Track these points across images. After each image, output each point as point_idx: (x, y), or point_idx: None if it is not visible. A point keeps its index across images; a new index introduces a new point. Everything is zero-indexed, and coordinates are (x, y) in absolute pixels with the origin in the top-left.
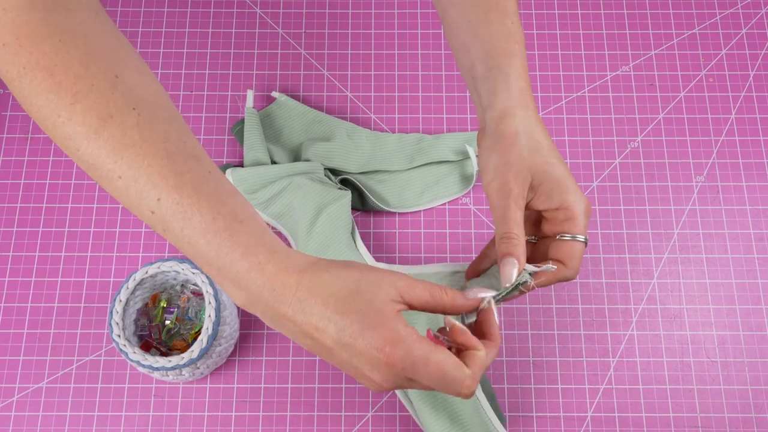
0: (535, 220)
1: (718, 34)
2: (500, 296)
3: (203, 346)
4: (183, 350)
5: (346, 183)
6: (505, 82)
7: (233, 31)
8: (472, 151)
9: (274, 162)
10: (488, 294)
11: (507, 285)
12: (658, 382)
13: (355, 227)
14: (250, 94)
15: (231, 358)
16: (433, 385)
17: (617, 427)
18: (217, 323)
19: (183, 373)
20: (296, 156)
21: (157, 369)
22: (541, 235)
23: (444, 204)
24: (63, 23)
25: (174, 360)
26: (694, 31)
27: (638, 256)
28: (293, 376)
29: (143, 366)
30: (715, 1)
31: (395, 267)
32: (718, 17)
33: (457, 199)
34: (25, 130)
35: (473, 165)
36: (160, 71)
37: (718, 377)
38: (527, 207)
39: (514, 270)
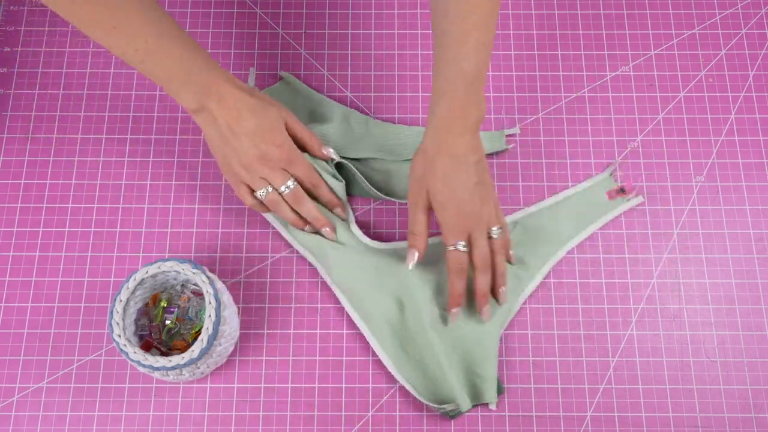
0: None
1: (718, 34)
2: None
3: (203, 345)
4: (183, 350)
5: (339, 168)
6: (431, 118)
7: (233, 31)
8: None
9: None
10: (335, 156)
11: (408, 266)
12: (657, 382)
13: (350, 210)
14: (252, 73)
15: (231, 358)
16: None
17: (617, 427)
18: (218, 323)
19: (183, 373)
20: None
21: (157, 369)
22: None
23: None
24: None
25: (174, 360)
26: (694, 31)
27: (638, 256)
28: (293, 376)
29: (143, 366)
30: (715, 1)
31: (391, 245)
32: (718, 17)
33: None
34: (25, 130)
35: None
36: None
37: (717, 377)
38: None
39: (414, 257)
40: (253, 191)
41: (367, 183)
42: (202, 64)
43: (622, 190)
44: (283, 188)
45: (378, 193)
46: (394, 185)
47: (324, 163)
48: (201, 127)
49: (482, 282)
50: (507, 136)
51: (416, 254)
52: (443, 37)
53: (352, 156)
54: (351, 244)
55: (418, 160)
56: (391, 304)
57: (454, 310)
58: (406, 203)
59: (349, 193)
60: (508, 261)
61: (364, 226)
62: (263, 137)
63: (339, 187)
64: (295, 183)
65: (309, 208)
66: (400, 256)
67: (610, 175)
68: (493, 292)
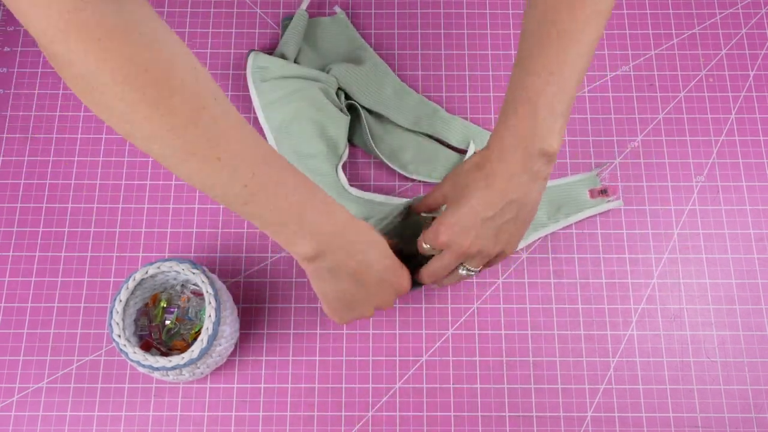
0: None
1: (718, 34)
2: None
3: (203, 346)
4: (183, 350)
5: (351, 109)
6: (509, 134)
7: (233, 31)
8: (473, 149)
9: (296, 63)
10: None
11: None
12: (658, 382)
13: (346, 152)
14: (251, 55)
15: (231, 358)
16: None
17: (617, 427)
18: (217, 323)
19: (183, 373)
20: (325, 71)
21: (157, 369)
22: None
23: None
24: (136, 15)
25: (174, 360)
26: (694, 31)
27: (638, 256)
28: (293, 376)
29: (143, 366)
30: (715, 1)
31: (367, 195)
32: (718, 17)
33: None
34: (26, 130)
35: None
36: None
37: (717, 377)
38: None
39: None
40: None
41: (369, 136)
42: (314, 204)
43: (603, 191)
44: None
45: (375, 150)
46: (398, 153)
47: (334, 95)
48: (313, 278)
49: (438, 281)
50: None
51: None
52: (539, 37)
53: (365, 104)
54: (332, 186)
55: (474, 167)
56: None
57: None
58: (401, 172)
59: (349, 138)
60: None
61: (361, 179)
62: (390, 280)
63: (343, 120)
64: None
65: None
66: (374, 208)
67: (597, 175)
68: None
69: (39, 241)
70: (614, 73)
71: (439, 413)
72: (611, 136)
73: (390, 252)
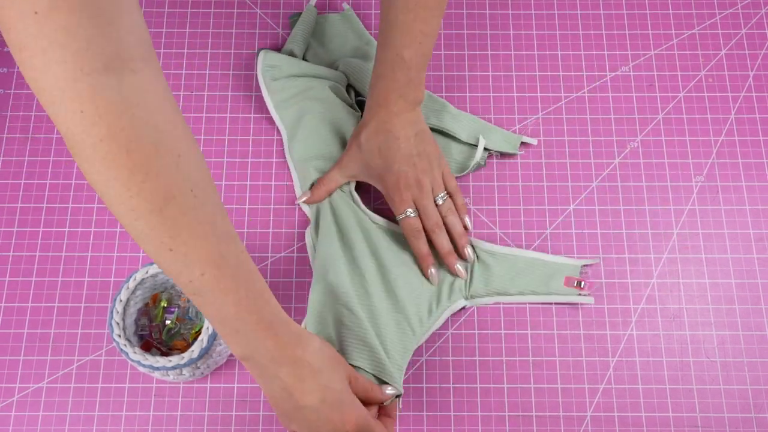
0: None
1: (717, 34)
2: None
3: (203, 345)
4: (183, 350)
5: (361, 105)
6: (368, 102)
7: (233, 31)
8: (482, 144)
9: (305, 60)
10: (393, 393)
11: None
12: (657, 382)
13: None
14: (259, 54)
15: (231, 357)
16: None
17: (617, 427)
18: None
19: (183, 372)
20: (333, 67)
21: (157, 369)
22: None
23: None
24: (135, 93)
25: (174, 360)
26: (693, 31)
27: (638, 256)
28: None
29: (144, 366)
30: (715, 1)
31: (375, 217)
32: (717, 17)
33: None
34: (25, 130)
35: (476, 156)
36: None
37: (717, 377)
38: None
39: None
40: None
41: None
42: (262, 317)
43: (579, 284)
44: None
45: None
46: None
47: (344, 92)
48: (252, 374)
49: (440, 241)
50: (522, 143)
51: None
52: (387, 26)
53: None
54: (343, 198)
55: (357, 134)
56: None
57: (431, 271)
58: None
59: None
60: (465, 228)
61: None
62: (326, 417)
63: (353, 118)
64: None
65: None
66: (382, 236)
67: (582, 266)
68: (459, 254)
69: (39, 241)
70: (614, 73)
71: (439, 413)
72: (611, 136)
73: (341, 394)
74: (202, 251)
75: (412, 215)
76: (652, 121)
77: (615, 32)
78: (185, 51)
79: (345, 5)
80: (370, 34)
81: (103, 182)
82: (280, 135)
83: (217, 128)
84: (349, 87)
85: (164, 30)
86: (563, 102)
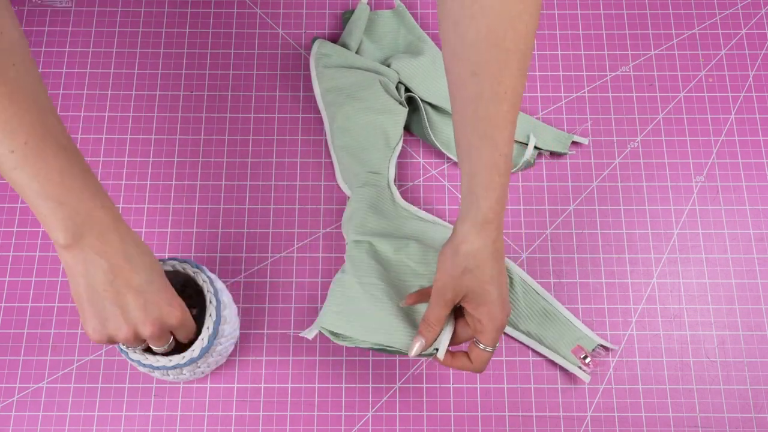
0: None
1: (718, 34)
2: (385, 350)
3: (204, 345)
4: (183, 350)
5: (411, 101)
6: (476, 214)
7: (233, 31)
8: (533, 142)
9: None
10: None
11: (410, 354)
12: (657, 382)
13: (400, 144)
14: (315, 43)
15: (231, 358)
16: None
17: (617, 427)
18: (218, 322)
19: (183, 372)
20: (386, 64)
21: (157, 368)
22: (461, 318)
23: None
24: None
25: (174, 359)
26: (694, 31)
27: (638, 256)
28: (293, 376)
29: (144, 365)
30: (715, 1)
31: (419, 212)
32: (718, 17)
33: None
34: None
35: (527, 153)
36: (160, 71)
37: (717, 377)
38: (461, 301)
39: (417, 345)
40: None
41: (428, 126)
42: (88, 187)
43: (585, 358)
44: (158, 349)
45: (434, 140)
46: (455, 148)
47: (393, 89)
48: (67, 269)
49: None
50: (573, 142)
51: (422, 344)
52: (478, 107)
53: (425, 97)
54: (382, 192)
55: (452, 256)
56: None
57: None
58: (454, 159)
59: (407, 128)
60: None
61: (414, 202)
62: (154, 298)
63: (400, 114)
64: (171, 342)
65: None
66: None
67: (598, 344)
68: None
69: (39, 241)
70: (614, 73)
71: (439, 413)
72: (611, 136)
73: (164, 280)
74: (25, 119)
75: (490, 351)
76: (653, 121)
77: (615, 32)
78: (185, 51)
79: (397, 1)
80: (422, 29)
81: None
82: (280, 135)
83: (217, 128)
84: (399, 83)
85: (164, 30)
86: (563, 102)
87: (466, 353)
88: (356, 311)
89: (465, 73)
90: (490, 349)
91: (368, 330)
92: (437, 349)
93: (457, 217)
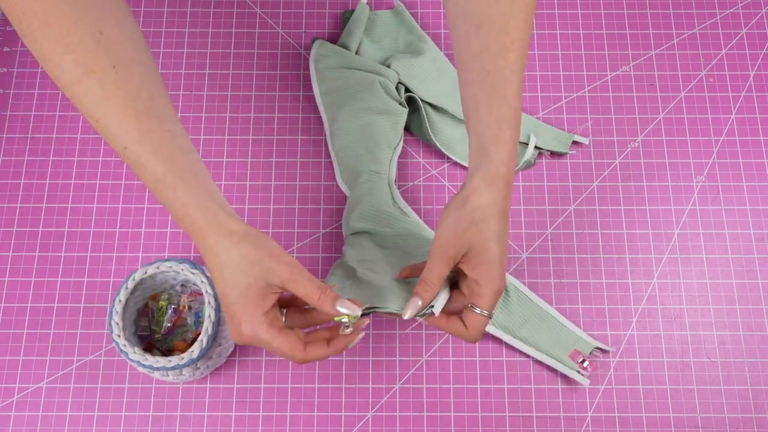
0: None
1: (718, 34)
2: (376, 310)
3: (203, 346)
4: (183, 350)
5: (411, 101)
6: (486, 167)
7: (233, 31)
8: (534, 141)
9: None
10: (348, 314)
11: (405, 315)
12: (658, 382)
13: (400, 145)
14: (314, 43)
15: (231, 358)
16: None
17: (617, 427)
18: (217, 323)
19: (183, 373)
20: (386, 64)
21: (157, 369)
22: (455, 288)
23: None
24: None
25: (174, 360)
26: (694, 31)
27: (638, 256)
28: (293, 376)
29: (143, 366)
30: (715, 1)
31: (414, 215)
32: (718, 17)
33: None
34: (25, 130)
35: (527, 153)
36: (160, 71)
37: (718, 377)
38: (457, 264)
39: (412, 306)
40: None
41: (428, 126)
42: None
43: (583, 362)
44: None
45: (435, 141)
46: (455, 144)
47: (393, 89)
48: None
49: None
50: (573, 142)
51: (418, 305)
52: (484, 61)
53: (425, 97)
54: (382, 191)
55: (458, 209)
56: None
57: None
58: (459, 162)
59: (407, 128)
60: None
61: (412, 202)
62: (225, 309)
63: (400, 114)
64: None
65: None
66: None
67: (595, 347)
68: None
69: (39, 241)
70: (614, 73)
71: (439, 413)
72: (611, 136)
73: (246, 287)
74: (122, 126)
75: (486, 315)
76: (653, 120)
77: (615, 32)
78: (185, 51)
79: (396, 1)
80: (422, 29)
81: (35, 51)
82: (280, 135)
83: (217, 128)
84: (399, 84)
85: (164, 30)
86: (563, 102)
87: (462, 320)
88: (352, 284)
89: (470, 29)
90: (486, 313)
91: (359, 296)
92: (432, 307)
93: (467, 174)
